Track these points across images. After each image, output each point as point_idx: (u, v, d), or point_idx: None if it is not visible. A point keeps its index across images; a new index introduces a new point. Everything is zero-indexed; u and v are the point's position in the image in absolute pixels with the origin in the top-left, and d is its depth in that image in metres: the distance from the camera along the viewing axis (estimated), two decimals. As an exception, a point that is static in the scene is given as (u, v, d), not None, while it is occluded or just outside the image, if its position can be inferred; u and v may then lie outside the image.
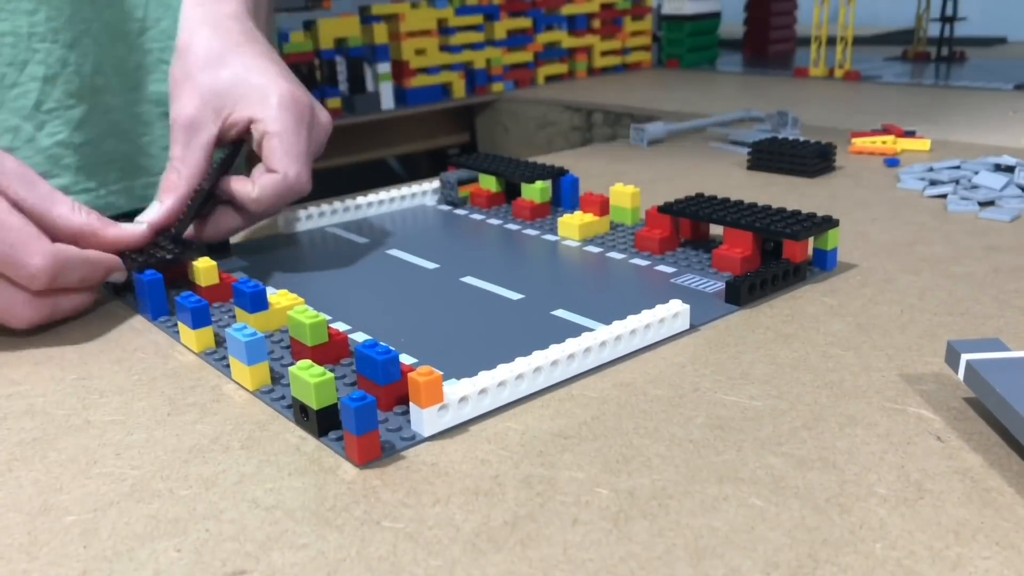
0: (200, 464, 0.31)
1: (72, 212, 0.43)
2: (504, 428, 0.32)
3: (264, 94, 0.49)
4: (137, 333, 0.42)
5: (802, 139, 0.79)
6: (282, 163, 0.48)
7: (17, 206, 0.41)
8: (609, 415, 0.33)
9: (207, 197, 0.49)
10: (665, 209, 0.50)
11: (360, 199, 0.61)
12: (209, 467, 0.30)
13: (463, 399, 0.32)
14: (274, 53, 0.53)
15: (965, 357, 0.31)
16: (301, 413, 0.32)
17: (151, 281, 0.43)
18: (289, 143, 0.48)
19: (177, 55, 0.52)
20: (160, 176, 0.50)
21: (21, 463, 0.31)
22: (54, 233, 0.42)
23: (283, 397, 0.35)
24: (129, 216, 0.48)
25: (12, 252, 0.39)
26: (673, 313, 0.39)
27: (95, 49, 0.58)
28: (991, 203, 0.58)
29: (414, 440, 0.31)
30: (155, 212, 0.48)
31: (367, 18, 1.25)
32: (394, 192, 0.63)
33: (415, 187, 0.64)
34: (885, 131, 0.77)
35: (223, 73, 0.50)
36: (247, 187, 0.49)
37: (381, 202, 0.62)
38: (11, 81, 0.56)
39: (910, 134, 0.77)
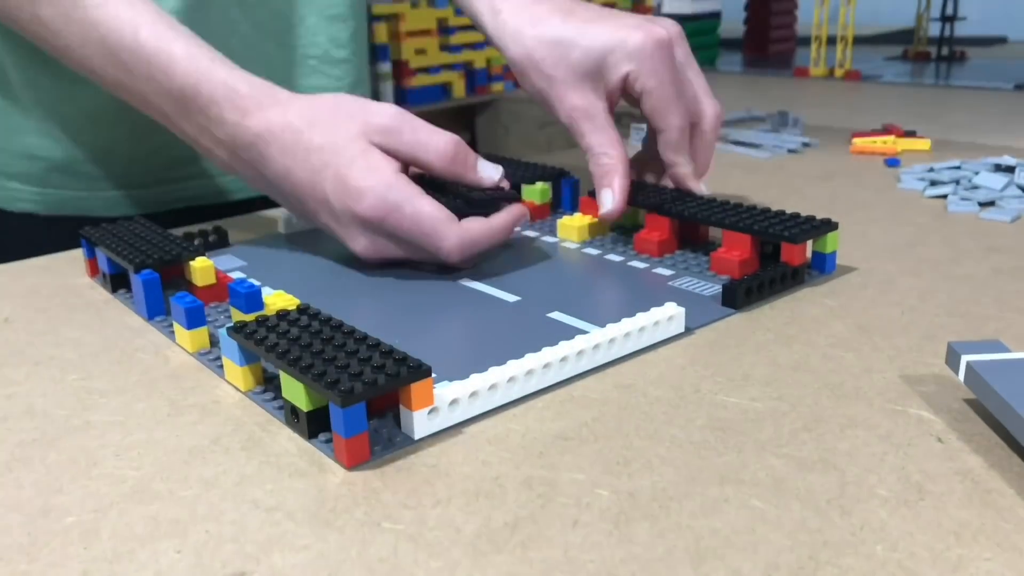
0: (200, 465, 0.31)
1: (438, 152, 0.46)
2: (505, 429, 0.32)
3: (628, 52, 0.50)
4: (136, 333, 0.42)
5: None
6: (663, 119, 0.51)
7: (392, 155, 0.45)
8: (610, 417, 0.33)
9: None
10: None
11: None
12: (209, 468, 0.30)
13: (454, 402, 0.32)
14: (590, 4, 0.55)
15: (965, 358, 0.31)
16: (292, 415, 0.32)
17: (147, 281, 0.43)
18: (667, 94, 0.50)
19: (522, 69, 0.54)
20: None
21: (21, 464, 0.31)
22: (425, 169, 0.46)
23: (276, 398, 0.35)
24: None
25: (427, 238, 0.45)
26: (668, 316, 0.39)
27: (243, 49, 0.60)
28: (991, 203, 0.58)
29: (404, 443, 0.31)
30: (610, 200, 0.51)
31: (367, 18, 1.25)
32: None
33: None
34: (886, 131, 0.77)
35: (574, 55, 0.51)
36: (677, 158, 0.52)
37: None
38: None
39: (910, 134, 0.77)
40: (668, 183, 0.54)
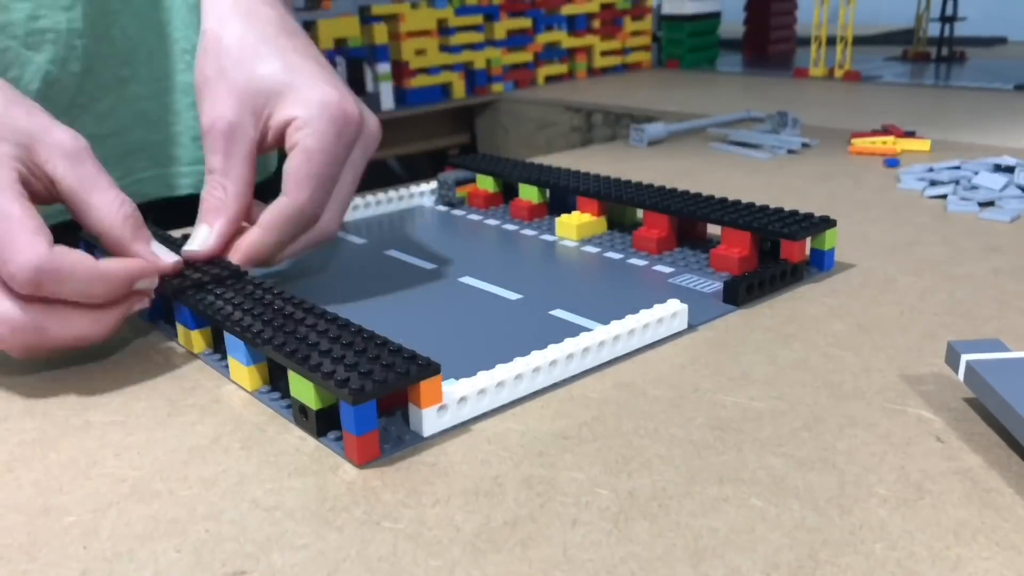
0: (200, 464, 0.31)
1: (112, 206, 0.38)
2: (504, 428, 0.32)
3: (308, 100, 0.42)
4: (136, 333, 0.42)
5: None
6: (297, 188, 0.42)
7: (55, 184, 0.37)
8: (609, 416, 0.33)
9: None
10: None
11: (358, 200, 0.61)
12: (209, 467, 0.30)
13: (462, 399, 0.32)
14: (314, 48, 0.47)
15: (965, 358, 0.31)
16: (300, 413, 0.32)
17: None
18: (318, 163, 0.42)
19: (204, 48, 0.45)
20: (190, 167, 0.46)
21: (21, 464, 0.31)
22: (86, 222, 0.38)
23: (282, 397, 0.35)
24: (161, 205, 0.43)
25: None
26: (671, 313, 0.39)
27: (124, 40, 0.58)
28: (991, 203, 0.58)
29: (413, 441, 0.31)
30: (205, 238, 0.42)
31: (367, 18, 1.25)
32: (392, 193, 0.63)
33: (413, 188, 0.64)
34: (885, 131, 0.77)
35: (261, 70, 0.43)
36: (257, 212, 0.43)
37: (379, 203, 0.62)
38: (53, 78, 0.54)
39: (910, 134, 0.77)
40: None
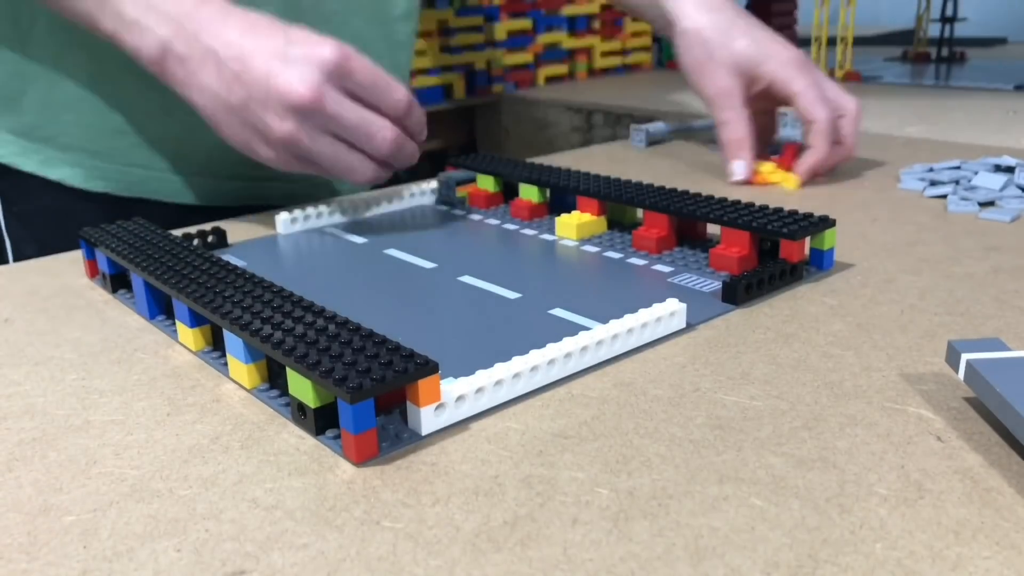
0: (200, 464, 0.31)
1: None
2: (504, 428, 0.32)
3: (780, 61, 0.63)
4: (136, 333, 0.42)
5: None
6: (813, 111, 0.62)
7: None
8: (609, 415, 0.33)
9: None
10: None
11: (358, 199, 0.61)
12: (209, 467, 0.30)
13: (460, 398, 0.32)
14: (759, 22, 0.67)
15: (965, 357, 0.31)
16: (299, 411, 0.32)
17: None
18: (813, 97, 0.62)
19: (688, 42, 0.66)
20: None
21: (21, 463, 0.31)
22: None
23: (281, 395, 0.35)
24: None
25: (384, 88, 0.50)
26: (670, 312, 0.39)
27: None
28: (991, 203, 0.58)
29: (411, 439, 0.31)
30: (743, 168, 0.64)
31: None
32: (392, 192, 0.63)
33: (413, 187, 0.64)
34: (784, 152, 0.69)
35: (737, 46, 0.64)
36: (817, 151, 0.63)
37: (379, 202, 0.62)
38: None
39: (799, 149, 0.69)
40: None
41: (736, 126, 0.64)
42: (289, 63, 0.48)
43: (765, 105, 0.69)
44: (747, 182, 0.65)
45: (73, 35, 0.61)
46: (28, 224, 0.69)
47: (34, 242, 0.67)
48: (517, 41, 1.37)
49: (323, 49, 0.48)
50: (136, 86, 0.63)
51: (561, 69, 1.43)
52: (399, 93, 0.51)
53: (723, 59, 0.64)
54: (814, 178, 0.65)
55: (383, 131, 0.51)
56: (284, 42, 0.48)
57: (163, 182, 0.67)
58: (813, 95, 0.63)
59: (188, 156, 0.66)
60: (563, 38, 1.42)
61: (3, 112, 0.65)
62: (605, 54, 1.48)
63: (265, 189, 0.70)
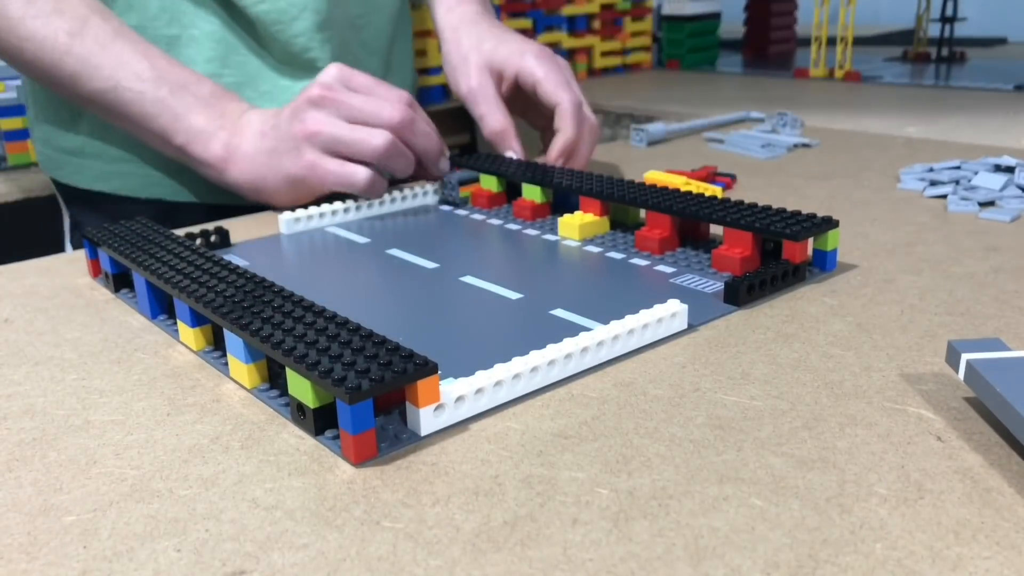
0: (200, 464, 0.31)
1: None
2: (504, 428, 0.32)
3: (522, 52, 0.67)
4: (136, 333, 0.42)
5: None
6: (556, 94, 0.64)
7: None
8: (609, 415, 0.33)
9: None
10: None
11: (360, 199, 0.61)
12: (209, 467, 0.30)
13: (460, 399, 0.32)
14: (505, 27, 0.72)
15: (966, 357, 0.31)
16: (298, 411, 0.32)
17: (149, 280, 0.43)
18: (555, 80, 0.65)
19: (448, 49, 0.71)
20: None
21: (21, 463, 0.31)
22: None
23: (281, 395, 0.35)
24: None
25: (382, 98, 0.58)
26: (671, 313, 0.39)
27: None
28: (991, 203, 0.58)
29: (410, 440, 0.31)
30: (516, 157, 0.65)
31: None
32: (395, 192, 0.63)
33: (416, 187, 0.64)
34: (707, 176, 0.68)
35: (485, 47, 0.68)
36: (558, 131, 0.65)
37: (382, 202, 0.62)
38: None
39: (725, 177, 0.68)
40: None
41: (493, 117, 0.66)
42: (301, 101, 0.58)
43: (526, 103, 0.70)
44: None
45: None
46: None
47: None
48: (517, 41, 1.37)
49: (324, 75, 0.59)
50: None
51: (561, 69, 1.43)
52: (392, 104, 0.58)
53: (473, 60, 0.68)
54: (567, 163, 0.65)
55: (383, 112, 0.58)
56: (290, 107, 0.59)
57: (210, 186, 0.67)
58: (555, 79, 0.65)
59: None
60: (563, 38, 1.42)
61: (59, 135, 0.70)
62: (605, 54, 1.48)
63: None
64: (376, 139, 0.57)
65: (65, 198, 0.75)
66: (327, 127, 0.57)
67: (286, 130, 0.58)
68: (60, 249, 0.77)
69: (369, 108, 0.57)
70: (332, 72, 0.58)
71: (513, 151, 0.66)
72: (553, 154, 0.65)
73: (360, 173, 0.58)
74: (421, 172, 0.63)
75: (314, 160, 0.57)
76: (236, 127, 0.60)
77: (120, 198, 0.70)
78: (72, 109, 0.69)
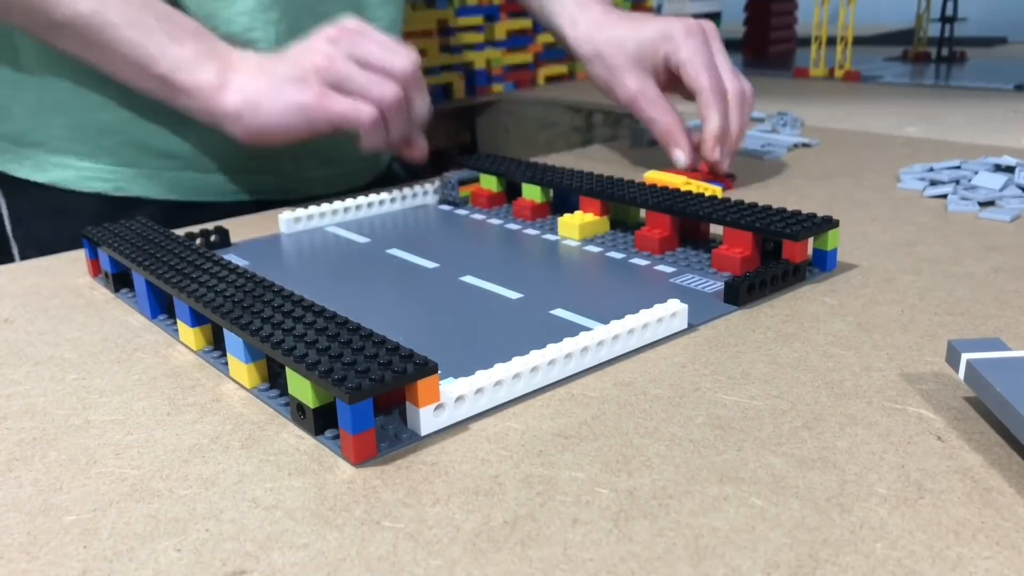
0: (200, 464, 0.31)
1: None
2: (504, 427, 0.32)
3: (664, 36, 0.65)
4: (136, 333, 0.42)
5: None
6: (697, 79, 0.63)
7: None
8: (609, 415, 0.33)
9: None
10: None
11: (361, 199, 0.61)
12: (209, 467, 0.30)
13: (460, 398, 0.32)
14: (626, 11, 0.72)
15: (966, 356, 0.31)
16: (298, 411, 0.32)
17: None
18: (700, 62, 0.63)
19: (589, 64, 0.70)
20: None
21: (21, 463, 0.31)
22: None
23: (281, 395, 0.35)
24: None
25: (391, 51, 0.57)
26: (671, 313, 0.39)
27: None
28: (991, 203, 0.58)
29: (410, 440, 0.31)
30: (683, 156, 0.65)
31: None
32: (395, 192, 0.63)
33: (416, 187, 0.64)
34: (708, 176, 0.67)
35: (628, 46, 0.66)
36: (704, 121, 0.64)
37: (382, 202, 0.62)
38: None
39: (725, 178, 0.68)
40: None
41: (661, 119, 0.65)
42: (302, 46, 0.57)
43: (677, 80, 0.68)
44: (693, 169, 0.65)
45: None
46: (29, 227, 0.69)
47: (37, 245, 0.67)
48: (517, 41, 1.37)
49: (329, 28, 0.57)
50: (119, 86, 0.63)
51: (561, 69, 1.43)
52: (402, 57, 0.58)
53: (623, 66, 0.67)
54: (722, 149, 0.64)
55: (396, 61, 0.57)
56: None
57: (152, 180, 0.67)
58: (699, 61, 0.63)
59: (174, 152, 0.66)
60: (563, 38, 1.42)
61: None
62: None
63: (254, 182, 0.70)
64: (387, 88, 0.56)
65: (1, 187, 0.71)
66: (341, 64, 0.56)
67: (294, 60, 0.57)
68: (3, 240, 0.73)
69: (385, 56, 0.57)
70: (350, 20, 0.58)
71: (680, 148, 0.65)
72: (706, 148, 0.64)
73: (366, 110, 0.56)
74: (402, 148, 0.62)
75: (322, 91, 0.56)
76: (229, 60, 0.58)
77: (59, 191, 0.67)
78: (7, 93, 0.65)
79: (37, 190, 0.68)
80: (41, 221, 0.68)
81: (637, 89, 0.66)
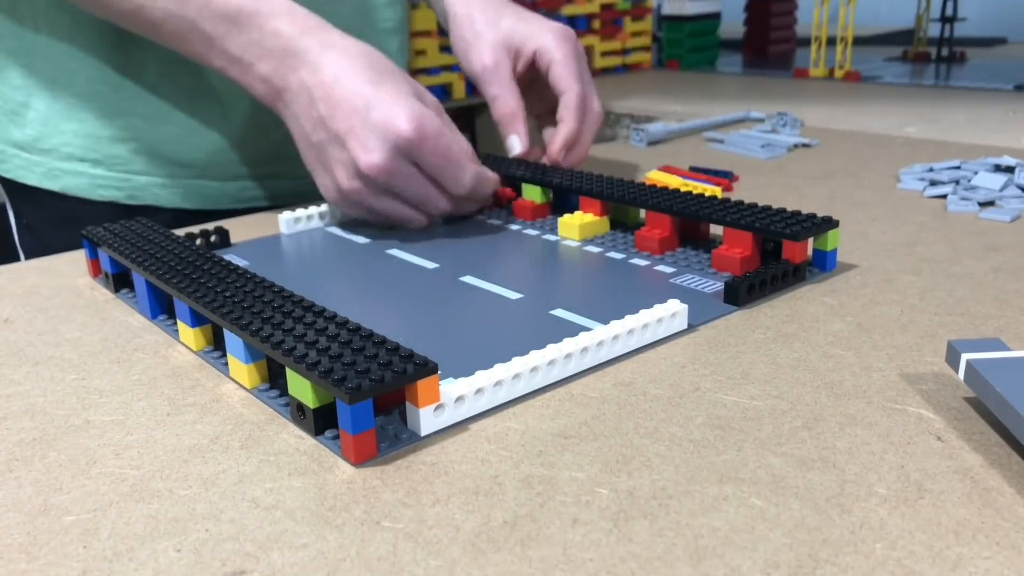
0: (200, 464, 0.31)
1: (466, 142, 0.54)
2: (504, 428, 0.32)
3: (542, 31, 0.64)
4: (136, 333, 0.42)
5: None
6: (567, 82, 0.62)
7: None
8: (609, 415, 0.33)
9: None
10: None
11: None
12: (209, 467, 0.30)
13: (459, 398, 0.32)
14: (521, 7, 0.68)
15: (966, 356, 0.31)
16: (298, 412, 0.32)
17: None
18: (571, 68, 0.63)
19: (459, 24, 0.66)
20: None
21: (21, 463, 0.31)
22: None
23: (281, 395, 0.35)
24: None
25: (450, 168, 0.52)
26: (671, 313, 0.39)
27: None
28: (991, 203, 0.58)
29: (410, 440, 0.31)
30: (518, 142, 0.63)
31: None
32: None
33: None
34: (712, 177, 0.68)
35: (503, 24, 0.65)
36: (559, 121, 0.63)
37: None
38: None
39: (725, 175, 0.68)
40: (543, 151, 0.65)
41: (505, 100, 0.63)
42: (367, 127, 0.50)
43: (531, 84, 0.66)
44: (524, 156, 0.63)
45: (72, 44, 0.62)
46: (39, 235, 0.69)
47: (44, 253, 0.67)
48: (517, 41, 1.37)
49: (400, 122, 0.50)
50: (134, 92, 0.63)
51: (561, 69, 1.43)
52: (465, 176, 0.53)
53: (489, 37, 0.64)
54: (567, 155, 0.63)
55: (439, 204, 0.55)
56: (370, 98, 0.51)
57: (165, 187, 0.66)
58: (571, 67, 0.63)
59: (188, 160, 0.66)
60: (563, 38, 1.42)
61: (7, 126, 0.66)
62: (605, 54, 1.48)
63: (268, 188, 0.70)
64: (441, 203, 0.55)
65: (10, 194, 0.70)
66: (369, 199, 0.53)
67: (333, 157, 0.53)
68: (10, 249, 0.72)
69: (418, 200, 0.54)
70: (403, 137, 0.50)
71: (518, 135, 0.63)
72: (555, 147, 0.62)
73: (415, 221, 0.55)
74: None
75: (347, 204, 0.54)
76: (291, 64, 0.53)
77: (71, 199, 0.66)
78: (19, 99, 0.64)
79: (49, 197, 0.67)
80: (51, 230, 0.68)
81: (494, 63, 0.64)
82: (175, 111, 0.63)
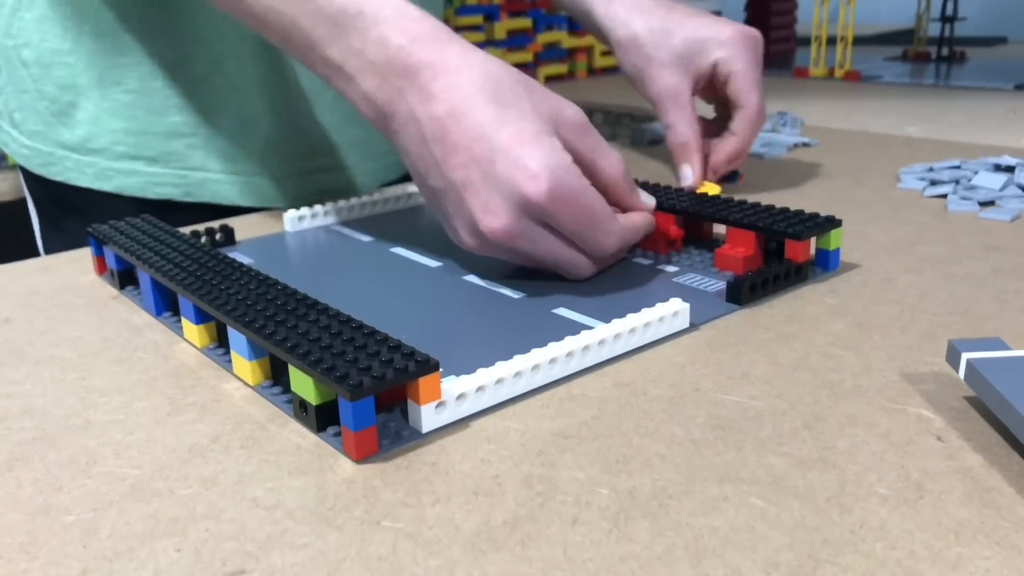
0: (200, 463, 0.31)
1: (614, 165, 0.45)
2: (504, 428, 0.32)
3: (720, 36, 0.60)
4: (137, 332, 0.42)
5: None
6: (748, 96, 0.60)
7: (570, 151, 0.43)
8: (609, 415, 0.33)
9: None
10: None
11: (364, 198, 0.61)
12: (209, 466, 0.30)
13: (461, 396, 0.32)
14: (686, 7, 0.64)
15: (966, 356, 0.31)
16: (300, 408, 0.32)
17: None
18: (752, 80, 0.60)
19: (626, 49, 0.63)
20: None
21: (21, 463, 0.31)
22: (594, 177, 0.44)
23: (284, 392, 0.35)
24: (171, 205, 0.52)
25: (592, 231, 0.42)
26: (673, 312, 0.39)
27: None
28: (991, 203, 0.58)
29: (412, 437, 0.31)
30: (690, 173, 0.61)
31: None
32: (398, 191, 0.63)
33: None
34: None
35: (674, 41, 0.61)
36: (729, 133, 0.61)
37: (386, 201, 0.62)
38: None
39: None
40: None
41: (681, 129, 0.61)
42: (489, 183, 0.41)
43: (706, 87, 0.64)
44: (696, 187, 0.61)
45: (119, 40, 0.61)
46: (72, 238, 0.67)
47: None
48: (517, 40, 1.37)
49: (527, 183, 0.40)
50: (186, 87, 0.62)
51: (561, 68, 1.43)
52: (608, 240, 0.43)
53: (662, 60, 0.61)
54: (727, 169, 0.62)
55: (579, 269, 0.45)
56: (493, 143, 0.41)
57: (222, 184, 0.65)
58: (752, 78, 0.60)
59: (242, 155, 0.65)
60: (563, 37, 1.42)
61: (56, 128, 0.64)
62: (605, 53, 1.48)
63: (322, 182, 0.69)
64: (571, 275, 0.45)
65: (48, 200, 0.68)
66: (490, 254, 0.45)
67: (450, 209, 0.44)
68: (34, 255, 0.72)
69: (550, 263, 0.44)
70: (530, 200, 0.40)
71: (691, 166, 0.60)
72: (720, 159, 0.61)
73: (583, 270, 0.45)
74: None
75: (490, 249, 0.44)
76: (397, 85, 0.44)
77: (120, 198, 0.65)
78: (67, 99, 0.63)
79: (94, 199, 0.65)
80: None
81: (673, 89, 0.61)
82: (227, 105, 0.62)
